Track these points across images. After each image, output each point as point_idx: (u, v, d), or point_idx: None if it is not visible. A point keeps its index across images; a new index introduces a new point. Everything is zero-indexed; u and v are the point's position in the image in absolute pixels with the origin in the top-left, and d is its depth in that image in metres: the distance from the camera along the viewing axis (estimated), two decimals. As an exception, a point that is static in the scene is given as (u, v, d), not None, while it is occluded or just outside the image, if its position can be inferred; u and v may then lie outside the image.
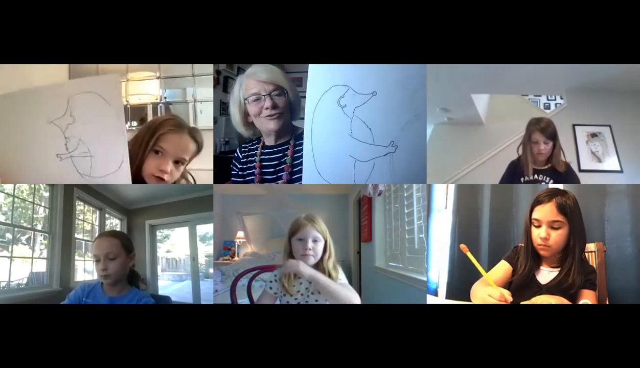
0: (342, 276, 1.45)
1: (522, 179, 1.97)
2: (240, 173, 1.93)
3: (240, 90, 1.81)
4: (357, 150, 1.08)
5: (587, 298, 1.39)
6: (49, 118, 1.64)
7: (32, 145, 1.65)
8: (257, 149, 1.89)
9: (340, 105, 1.19)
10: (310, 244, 1.38)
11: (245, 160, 1.92)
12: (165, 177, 1.64)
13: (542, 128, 1.91)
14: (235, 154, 1.97)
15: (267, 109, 1.75)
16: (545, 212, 1.41)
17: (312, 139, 1.30)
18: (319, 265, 1.41)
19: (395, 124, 0.98)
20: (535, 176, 1.96)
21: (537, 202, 1.44)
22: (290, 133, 1.84)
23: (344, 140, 1.10)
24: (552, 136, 1.91)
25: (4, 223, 2.53)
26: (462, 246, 1.42)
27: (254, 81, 1.77)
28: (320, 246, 1.40)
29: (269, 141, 1.87)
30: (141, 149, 1.63)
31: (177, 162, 1.67)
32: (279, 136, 1.84)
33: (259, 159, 1.86)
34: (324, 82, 1.25)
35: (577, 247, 1.41)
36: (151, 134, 1.64)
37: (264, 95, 1.75)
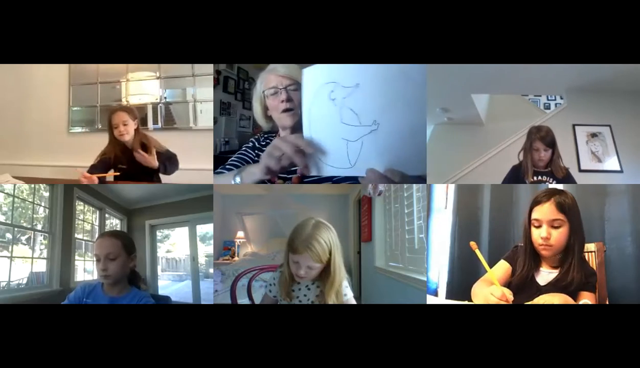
0: (349, 296, 1.42)
1: (526, 182, 2.00)
2: (256, 158, 1.92)
3: (261, 85, 1.85)
4: (347, 133, 1.31)
5: (586, 299, 1.39)
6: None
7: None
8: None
9: (330, 99, 1.36)
10: (303, 271, 1.35)
11: (265, 143, 1.92)
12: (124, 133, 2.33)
13: (542, 136, 2.03)
14: (252, 142, 1.97)
15: (282, 102, 1.77)
16: (545, 211, 1.42)
17: (311, 132, 1.43)
18: (320, 289, 1.40)
19: (376, 108, 1.25)
20: (537, 177, 2.00)
21: (536, 202, 1.45)
22: None
23: (336, 127, 1.33)
24: (552, 144, 2.03)
25: (4, 223, 2.53)
26: (472, 243, 1.41)
27: (273, 76, 1.81)
28: (314, 271, 1.36)
29: None
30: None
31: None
32: (294, 133, 1.85)
33: None
34: (316, 82, 1.41)
35: (577, 245, 1.41)
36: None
37: (280, 89, 1.77)
